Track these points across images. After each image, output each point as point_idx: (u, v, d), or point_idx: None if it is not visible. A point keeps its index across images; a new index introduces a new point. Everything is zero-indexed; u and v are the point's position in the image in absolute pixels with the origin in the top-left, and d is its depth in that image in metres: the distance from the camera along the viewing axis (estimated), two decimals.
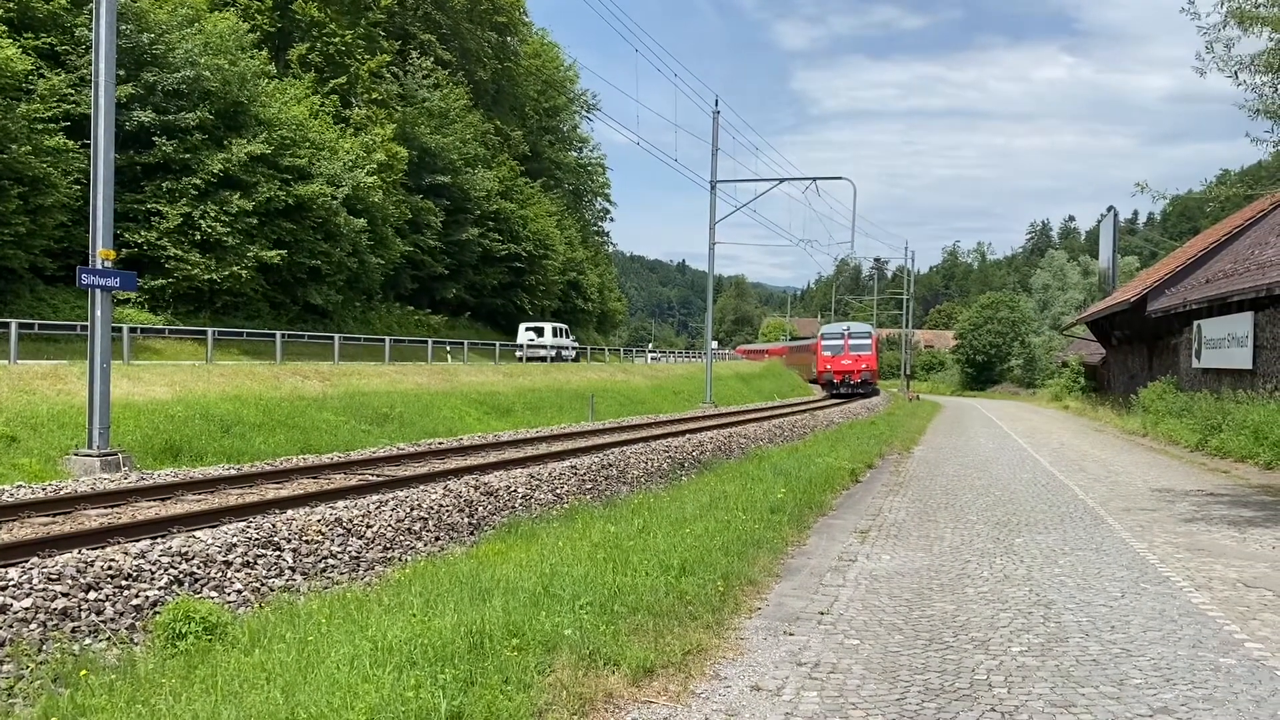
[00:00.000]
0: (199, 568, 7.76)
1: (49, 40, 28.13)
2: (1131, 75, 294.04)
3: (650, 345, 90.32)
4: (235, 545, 8.28)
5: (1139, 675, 6.03)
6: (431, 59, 50.47)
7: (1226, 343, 25.38)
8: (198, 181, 29.91)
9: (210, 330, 28.15)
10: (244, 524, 9.03)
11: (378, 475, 13.71)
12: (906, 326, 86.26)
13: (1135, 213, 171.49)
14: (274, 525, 8.99)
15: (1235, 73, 13.60)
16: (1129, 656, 6.42)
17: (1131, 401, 34.26)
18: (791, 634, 6.82)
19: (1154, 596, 8.12)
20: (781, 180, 39.22)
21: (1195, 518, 12.60)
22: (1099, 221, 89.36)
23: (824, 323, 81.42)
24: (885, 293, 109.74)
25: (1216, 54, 13.51)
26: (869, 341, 54.75)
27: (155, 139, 29.51)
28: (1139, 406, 31.83)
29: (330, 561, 8.92)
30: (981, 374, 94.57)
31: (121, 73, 26.21)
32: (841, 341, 54.27)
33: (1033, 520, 12.20)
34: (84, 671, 5.78)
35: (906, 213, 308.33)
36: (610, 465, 15.10)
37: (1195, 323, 28.54)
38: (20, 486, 11.94)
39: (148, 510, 10.85)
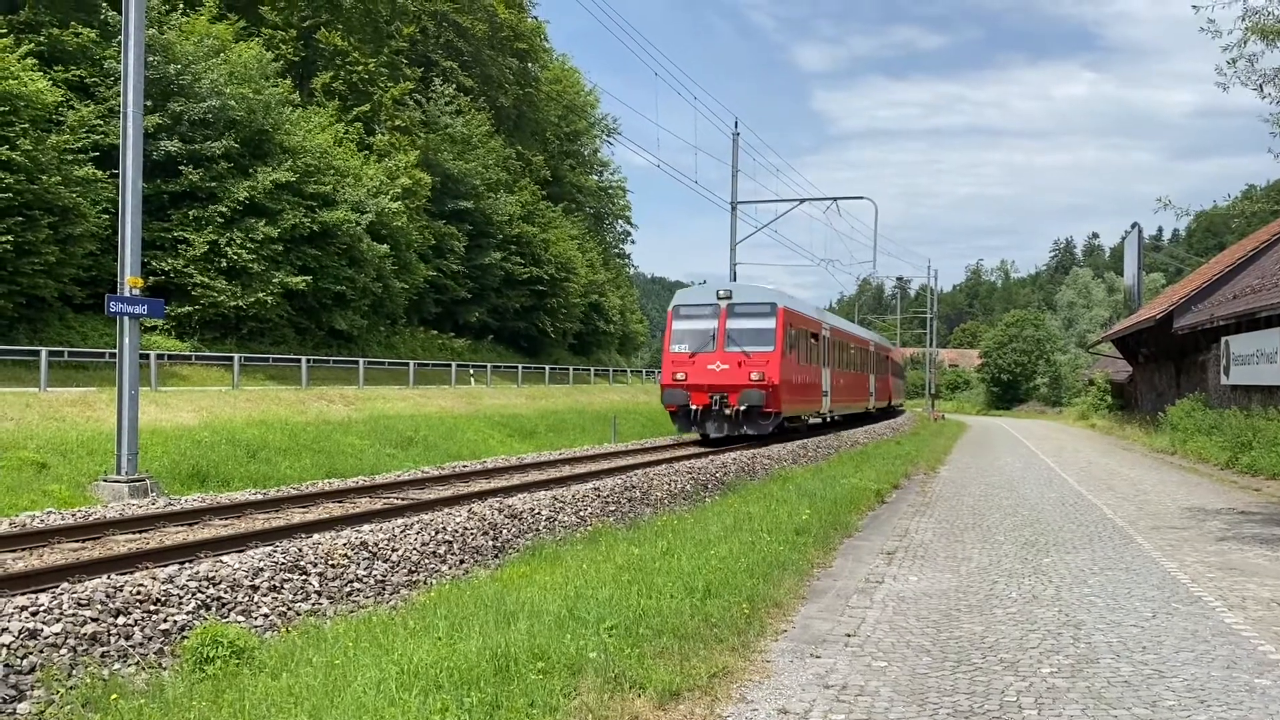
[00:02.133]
0: (226, 592, 7.80)
1: (78, 73, 28.61)
2: (1154, 91, 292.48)
3: None
4: (262, 569, 8.32)
5: (1172, 697, 5.95)
6: (454, 86, 50.92)
7: (1256, 359, 25.11)
8: (224, 209, 30.26)
9: (236, 356, 28.42)
10: (270, 548, 9.08)
11: (402, 499, 13.75)
12: (930, 345, 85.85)
13: (1160, 229, 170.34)
14: (300, 549, 9.03)
15: (1260, 86, 13.54)
16: (1161, 678, 6.33)
17: (1159, 419, 33.92)
18: (818, 656, 6.77)
19: (1186, 616, 8.02)
20: (802, 200, 39.23)
21: (1227, 536, 12.44)
22: (1123, 238, 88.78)
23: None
24: (908, 312, 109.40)
25: (1239, 69, 13.45)
26: (770, 325, 24.69)
27: (182, 168, 29.90)
28: (1167, 424, 31.51)
29: (356, 585, 8.95)
30: (1007, 393, 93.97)
31: (149, 103, 26.59)
32: (710, 324, 24.91)
33: (1061, 540, 12.08)
34: (114, 695, 5.82)
35: (929, 231, 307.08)
36: (633, 487, 15.08)
37: (1223, 339, 28.25)
38: (50, 512, 12.06)
39: (175, 535, 10.92)
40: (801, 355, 26.70)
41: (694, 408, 24.18)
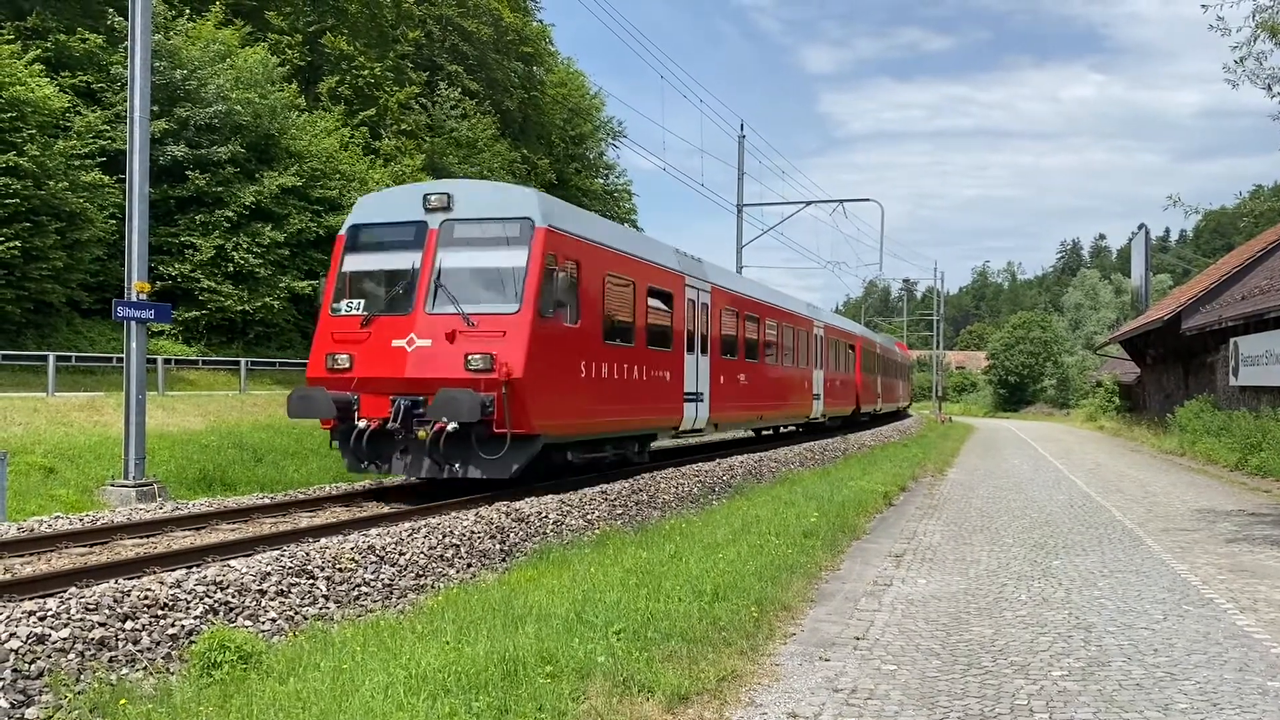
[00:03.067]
0: (234, 597, 7.79)
1: (85, 78, 28.72)
2: (1162, 92, 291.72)
3: None
4: (269, 574, 8.30)
5: (1184, 700, 5.91)
6: (459, 90, 50.99)
7: (1265, 360, 25.01)
8: (230, 214, 30.31)
9: (243, 360, 28.45)
10: (278, 553, 9.06)
11: (410, 503, 13.74)
12: (937, 348, 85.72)
13: (1167, 230, 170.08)
14: (307, 553, 9.02)
15: (1269, 85, 13.51)
16: (1173, 680, 6.30)
17: (1168, 421, 33.83)
18: (827, 659, 6.75)
19: (1197, 619, 7.98)
20: (808, 203, 39.16)
21: (1237, 538, 12.38)
22: (1130, 239, 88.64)
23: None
24: (915, 314, 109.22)
25: (1248, 68, 13.42)
26: (517, 263, 13.00)
27: (188, 173, 29.96)
28: (1175, 426, 31.43)
29: (363, 589, 8.94)
30: (1014, 395, 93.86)
31: (155, 108, 26.68)
32: (409, 259, 13.37)
33: (1070, 542, 12.04)
34: (122, 700, 5.81)
35: (935, 233, 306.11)
36: (640, 490, 15.05)
37: (1232, 340, 28.16)
38: (58, 517, 12.07)
39: (183, 540, 10.93)
40: (608, 324, 15.03)
41: (363, 425, 12.75)
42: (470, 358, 12.43)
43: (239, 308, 30.37)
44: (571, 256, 13.83)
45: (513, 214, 13.31)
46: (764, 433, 28.91)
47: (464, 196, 13.57)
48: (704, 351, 19.37)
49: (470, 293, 12.99)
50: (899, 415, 51.27)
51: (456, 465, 12.79)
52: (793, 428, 30.34)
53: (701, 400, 19.19)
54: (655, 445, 20.53)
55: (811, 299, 34.25)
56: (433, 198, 13.47)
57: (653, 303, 16.91)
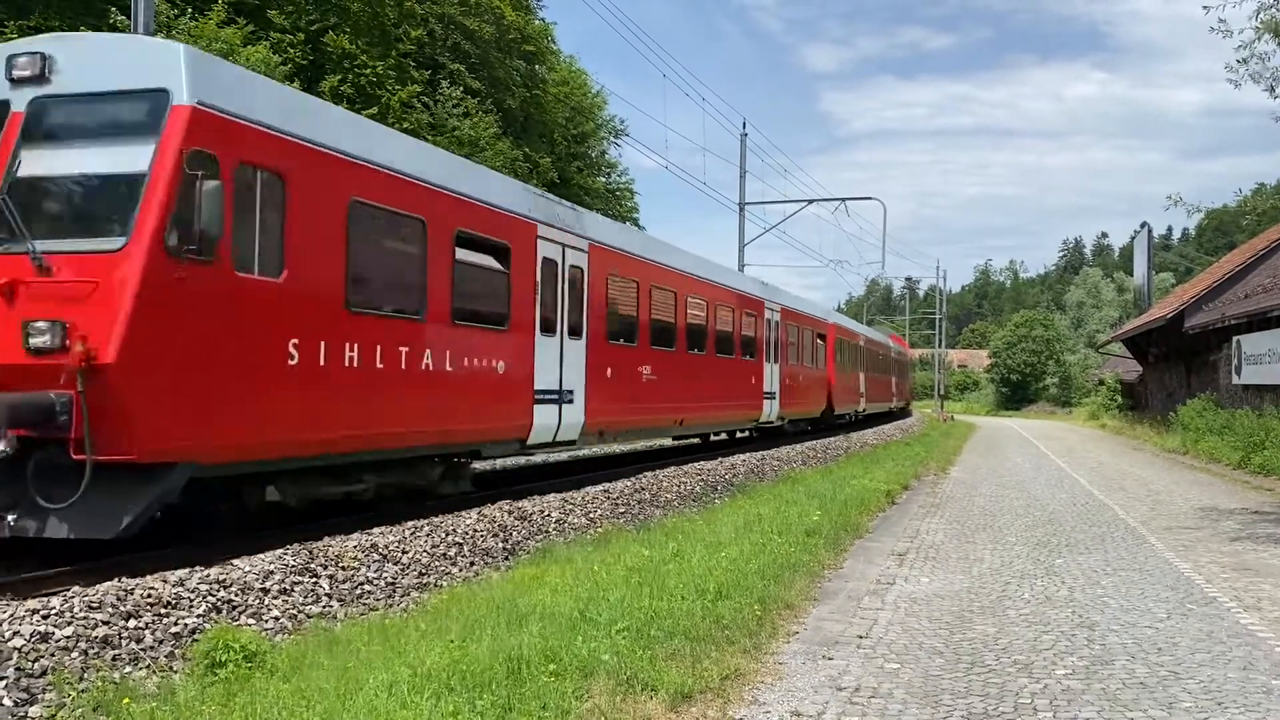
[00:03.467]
0: (237, 595, 7.79)
1: None
2: (1164, 90, 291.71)
3: None
4: (273, 572, 8.30)
5: (1188, 698, 5.91)
6: (461, 88, 51.00)
7: (1268, 358, 25.00)
8: None
9: None
10: (280, 551, 9.07)
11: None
12: (939, 346, 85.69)
13: (1169, 229, 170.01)
14: (310, 552, 9.02)
15: (1271, 85, 13.50)
16: (1177, 679, 6.30)
17: (1170, 419, 33.82)
18: (830, 658, 6.75)
19: (1201, 618, 7.98)
20: (811, 201, 39.10)
21: (1241, 536, 12.39)
22: (1133, 238, 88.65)
23: None
24: (917, 312, 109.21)
25: (1251, 68, 13.42)
26: (136, 166, 7.67)
27: None
28: (1178, 424, 31.43)
29: (367, 588, 8.94)
30: (1016, 393, 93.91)
31: None
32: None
33: (1073, 541, 12.04)
34: (125, 699, 5.81)
35: (937, 232, 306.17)
36: (643, 488, 15.05)
37: (1235, 338, 28.14)
38: None
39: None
40: (358, 282, 9.85)
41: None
42: (31, 328, 7.45)
43: None
44: (266, 163, 8.71)
45: (139, 84, 8.12)
46: (715, 437, 24.64)
47: (73, 60, 8.34)
48: (575, 334, 14.36)
49: (57, 217, 8.17)
50: (893, 416, 48.09)
51: (13, 517, 7.76)
52: (746, 433, 26.22)
53: (571, 401, 14.27)
54: (485, 466, 15.57)
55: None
56: (21, 60, 8.29)
57: (467, 257, 11.69)
